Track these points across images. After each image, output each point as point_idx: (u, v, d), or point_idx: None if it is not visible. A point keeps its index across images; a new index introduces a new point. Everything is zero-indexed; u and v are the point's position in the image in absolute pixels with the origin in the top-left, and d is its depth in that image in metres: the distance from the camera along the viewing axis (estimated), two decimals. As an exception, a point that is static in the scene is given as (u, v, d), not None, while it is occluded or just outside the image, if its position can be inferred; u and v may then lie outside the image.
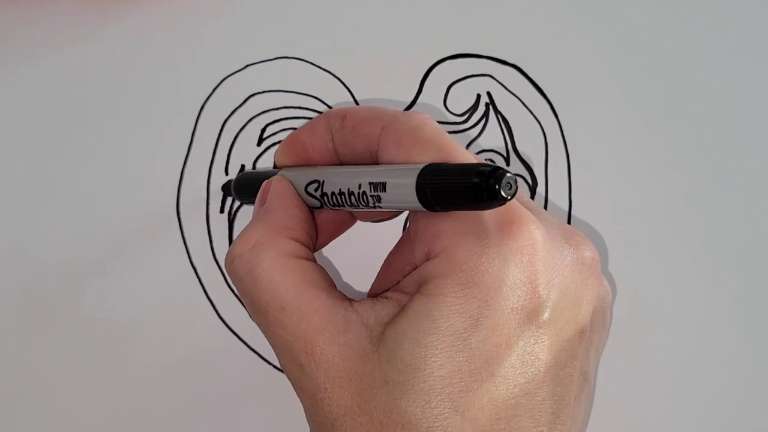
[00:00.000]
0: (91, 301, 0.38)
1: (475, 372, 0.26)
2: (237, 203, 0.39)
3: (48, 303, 0.38)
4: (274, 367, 0.38)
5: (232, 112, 0.40)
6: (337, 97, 0.40)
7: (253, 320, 0.29)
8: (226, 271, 0.29)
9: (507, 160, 0.40)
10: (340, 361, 0.27)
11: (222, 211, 0.39)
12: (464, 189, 0.24)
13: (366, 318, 0.27)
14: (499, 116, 0.40)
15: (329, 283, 0.29)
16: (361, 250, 0.36)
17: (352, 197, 0.28)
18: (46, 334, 0.38)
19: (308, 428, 0.29)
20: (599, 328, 0.31)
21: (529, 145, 0.40)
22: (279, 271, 0.28)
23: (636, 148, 0.40)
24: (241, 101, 0.40)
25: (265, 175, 0.32)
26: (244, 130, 0.40)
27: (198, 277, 0.39)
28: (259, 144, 0.40)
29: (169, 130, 0.39)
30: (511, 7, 0.41)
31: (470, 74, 0.40)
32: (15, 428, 0.38)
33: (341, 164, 0.31)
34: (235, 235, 0.39)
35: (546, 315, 0.27)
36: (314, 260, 0.30)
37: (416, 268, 0.28)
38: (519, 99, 0.40)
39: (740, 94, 0.41)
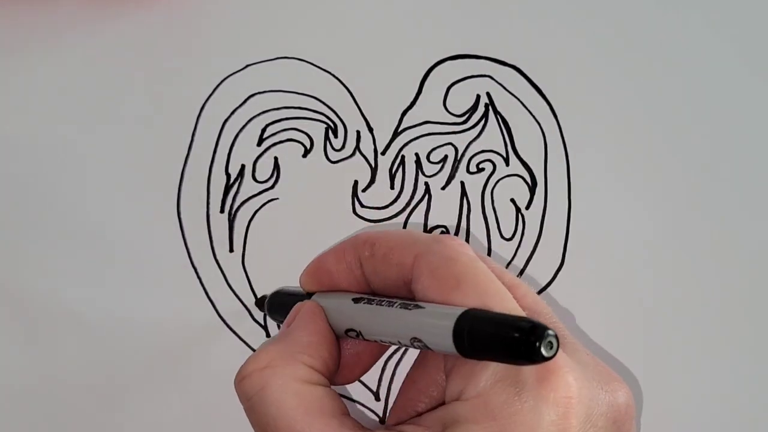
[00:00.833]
0: (91, 300, 0.38)
1: None
2: (237, 203, 0.39)
3: (48, 303, 0.38)
4: (275, 367, 0.38)
5: (232, 112, 0.40)
6: (337, 97, 0.40)
7: None
8: (236, 387, 0.28)
9: (506, 161, 0.40)
10: None
11: (222, 211, 0.39)
12: (503, 344, 0.23)
13: None
14: (498, 117, 0.40)
15: (342, 411, 0.28)
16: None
17: (392, 344, 0.28)
18: (46, 334, 0.38)
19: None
20: None
21: (528, 145, 0.40)
22: (290, 395, 0.27)
23: (635, 149, 0.40)
24: (241, 101, 0.40)
25: (300, 298, 0.32)
26: (244, 130, 0.40)
27: (198, 277, 0.39)
28: (259, 144, 0.40)
29: (169, 130, 0.39)
30: (511, 8, 0.41)
31: (470, 75, 0.40)
32: (15, 428, 0.38)
33: (372, 293, 0.30)
34: (235, 235, 0.39)
35: None
36: (329, 386, 0.29)
37: (443, 402, 0.27)
38: (518, 100, 0.40)
39: (740, 94, 0.41)
